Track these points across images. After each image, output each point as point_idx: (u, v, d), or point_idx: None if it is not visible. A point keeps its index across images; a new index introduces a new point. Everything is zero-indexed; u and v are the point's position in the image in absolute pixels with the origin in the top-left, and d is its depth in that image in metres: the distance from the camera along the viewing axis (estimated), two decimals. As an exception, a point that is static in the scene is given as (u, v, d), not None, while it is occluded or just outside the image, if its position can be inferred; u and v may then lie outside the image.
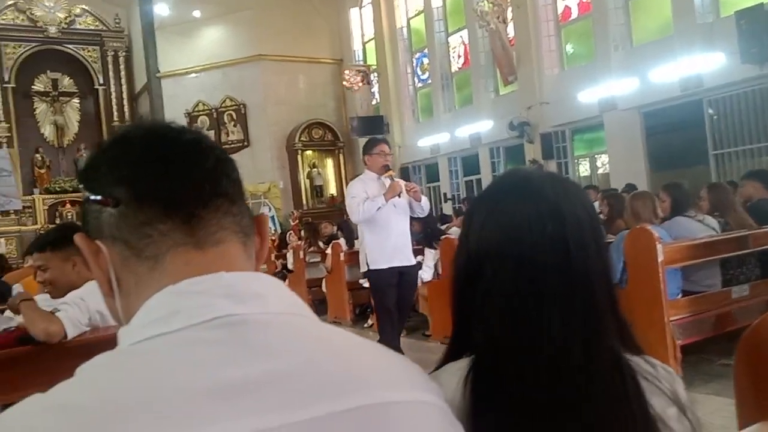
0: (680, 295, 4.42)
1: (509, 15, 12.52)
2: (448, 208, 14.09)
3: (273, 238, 11.24)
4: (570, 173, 11.94)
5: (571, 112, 11.40)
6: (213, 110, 17.01)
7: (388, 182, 4.73)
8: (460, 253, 0.96)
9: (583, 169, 12.23)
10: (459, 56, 14.90)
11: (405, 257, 4.91)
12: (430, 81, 15.66)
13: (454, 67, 15.04)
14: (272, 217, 15.55)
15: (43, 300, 3.04)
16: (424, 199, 4.96)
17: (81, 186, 0.70)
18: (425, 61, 15.88)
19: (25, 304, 2.67)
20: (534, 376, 0.83)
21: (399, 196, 4.70)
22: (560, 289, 0.86)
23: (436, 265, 6.63)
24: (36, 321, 2.56)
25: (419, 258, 7.00)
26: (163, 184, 0.64)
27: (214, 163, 0.68)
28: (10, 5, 16.09)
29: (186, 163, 0.66)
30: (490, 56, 13.28)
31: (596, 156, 11.98)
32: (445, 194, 14.99)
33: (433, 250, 6.62)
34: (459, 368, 0.89)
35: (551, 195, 0.91)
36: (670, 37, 9.82)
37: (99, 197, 0.66)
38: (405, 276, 4.94)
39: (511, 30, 12.60)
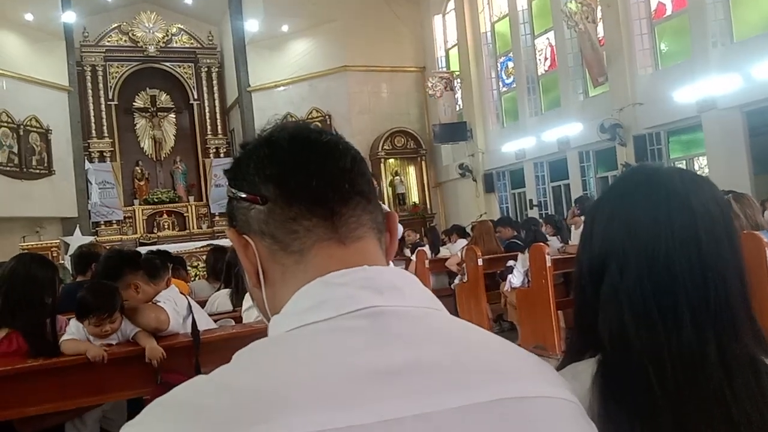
0: (796, 305, 4.11)
1: (599, 14, 12.14)
2: (534, 215, 13.79)
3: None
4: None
5: (666, 112, 10.89)
6: (301, 121, 17.45)
7: None
8: (583, 252, 0.94)
9: (680, 172, 11.65)
10: (545, 58, 14.59)
11: None
12: (515, 85, 15.42)
13: (541, 70, 14.74)
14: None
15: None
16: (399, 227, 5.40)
17: (228, 184, 0.74)
18: (510, 64, 15.66)
19: (131, 305, 2.82)
20: (666, 377, 0.80)
21: None
22: (692, 287, 0.82)
23: (526, 272, 6.49)
24: (146, 311, 2.70)
25: (511, 262, 6.89)
26: (308, 182, 0.68)
27: (352, 163, 0.72)
28: (115, 28, 17.18)
29: (327, 163, 0.70)
30: (578, 57, 12.92)
31: (694, 159, 11.38)
32: (531, 200, 14.67)
33: (526, 255, 6.49)
34: (585, 369, 0.87)
35: (680, 189, 0.87)
36: (775, 30, 9.22)
37: (248, 195, 0.70)
38: None
39: (600, 30, 12.22)
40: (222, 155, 17.89)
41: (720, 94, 9.84)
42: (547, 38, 14.31)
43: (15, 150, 14.56)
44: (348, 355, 0.58)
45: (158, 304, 2.78)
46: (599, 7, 12.04)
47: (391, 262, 0.76)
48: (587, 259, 0.92)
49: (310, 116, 17.34)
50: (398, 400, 0.56)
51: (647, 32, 11.72)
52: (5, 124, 14.40)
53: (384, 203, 14.54)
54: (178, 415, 0.56)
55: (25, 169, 14.69)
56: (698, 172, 11.06)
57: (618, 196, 0.93)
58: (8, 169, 14.35)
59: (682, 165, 11.58)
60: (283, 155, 0.70)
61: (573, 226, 7.46)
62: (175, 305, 2.84)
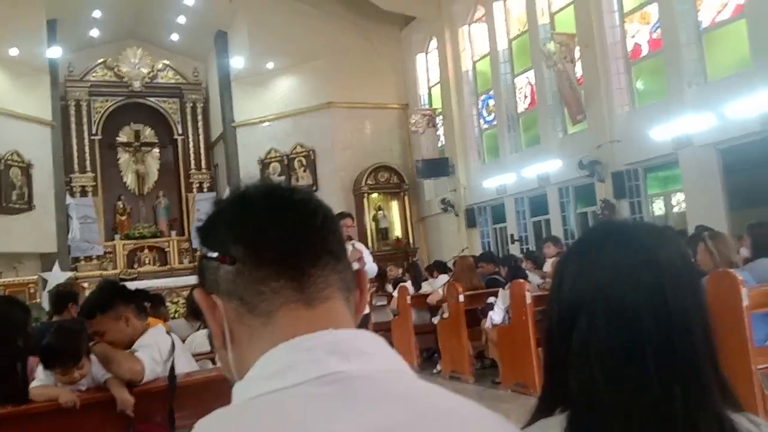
0: (768, 342, 4.16)
1: (577, 54, 12.43)
2: (514, 250, 13.86)
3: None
4: (644, 212, 11.56)
5: (643, 150, 11.09)
6: (284, 157, 17.51)
7: (350, 248, 5.25)
8: (552, 305, 0.95)
9: (658, 208, 11.82)
10: (525, 97, 14.85)
11: None
12: (495, 122, 15.64)
13: (521, 108, 14.98)
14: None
15: None
16: (372, 266, 5.91)
17: (200, 243, 0.75)
18: (491, 102, 15.91)
19: (104, 346, 2.76)
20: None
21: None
22: (659, 341, 0.84)
23: (507, 309, 6.50)
24: (123, 362, 2.64)
25: (492, 299, 6.90)
26: (277, 244, 0.68)
27: (322, 222, 0.72)
28: (100, 63, 17.25)
29: (298, 223, 0.70)
30: (557, 96, 13.17)
31: (671, 194, 11.56)
32: (512, 235, 14.76)
33: (506, 292, 6.50)
34: (555, 425, 0.87)
35: (646, 243, 0.89)
36: (747, 71, 9.48)
37: (217, 254, 0.70)
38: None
39: (579, 69, 12.49)
40: (205, 190, 17.87)
41: (695, 132, 10.06)
42: (527, 77, 14.58)
43: (-5, 185, 14.40)
44: (311, 425, 0.58)
45: (136, 353, 2.70)
46: (577, 47, 12.33)
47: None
48: (556, 313, 0.93)
49: (294, 151, 17.43)
50: None
51: (624, 72, 12.00)
52: (-14, 159, 14.29)
53: (367, 238, 14.52)
54: None
55: (4, 204, 14.49)
56: (675, 209, 11.19)
57: (585, 250, 0.95)
58: (-12, 204, 14.18)
59: (660, 201, 11.76)
60: (254, 216, 0.70)
61: (549, 259, 7.51)
62: (158, 349, 2.78)
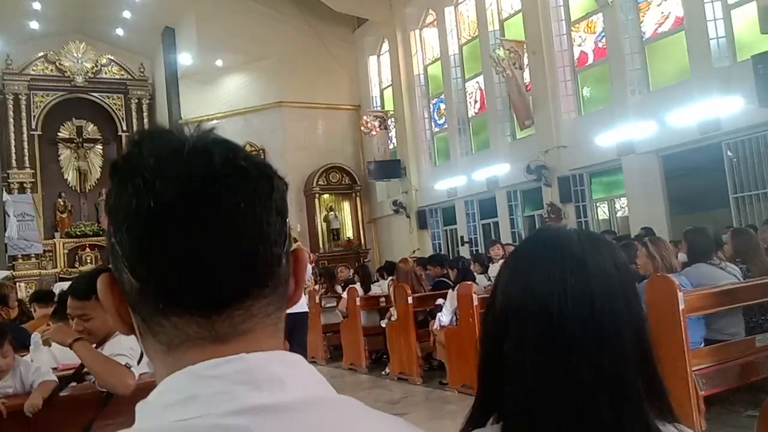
0: (703, 344, 4.30)
1: (525, 61, 12.66)
2: (465, 251, 14.01)
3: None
4: (588, 217, 11.86)
5: (588, 155, 11.38)
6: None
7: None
8: (486, 313, 0.95)
9: (602, 212, 12.14)
10: (476, 101, 15.05)
11: None
12: (446, 126, 15.80)
13: (471, 112, 15.17)
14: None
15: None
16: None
17: (106, 199, 0.60)
18: (442, 106, 16.06)
19: (87, 347, 2.56)
20: None
21: None
22: (587, 347, 0.83)
23: (455, 311, 6.54)
24: (117, 374, 2.46)
25: (440, 301, 6.94)
26: (189, 284, 0.56)
27: (251, 240, 0.57)
28: (41, 57, 16.66)
29: (217, 250, 0.56)
30: (506, 101, 13.39)
31: (615, 199, 11.90)
32: (462, 237, 14.94)
33: (454, 293, 6.54)
34: None
35: (576, 250, 0.89)
36: (687, 81, 9.83)
37: (120, 252, 0.57)
38: None
39: (527, 75, 12.73)
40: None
41: (638, 138, 10.37)
42: (477, 82, 14.79)
43: (-75, 179, 13.74)
44: None
45: (131, 368, 2.52)
46: (526, 54, 12.55)
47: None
48: (490, 320, 0.93)
49: (244, 151, 17.17)
50: None
51: (571, 79, 12.30)
52: None
53: (318, 239, 14.41)
54: None
55: (-65, 200, 13.87)
56: (619, 213, 11.51)
57: (518, 257, 0.95)
58: None
59: (604, 205, 12.09)
60: (164, 231, 0.55)
61: (496, 263, 7.61)
62: (135, 357, 2.63)
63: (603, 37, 11.62)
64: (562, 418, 0.81)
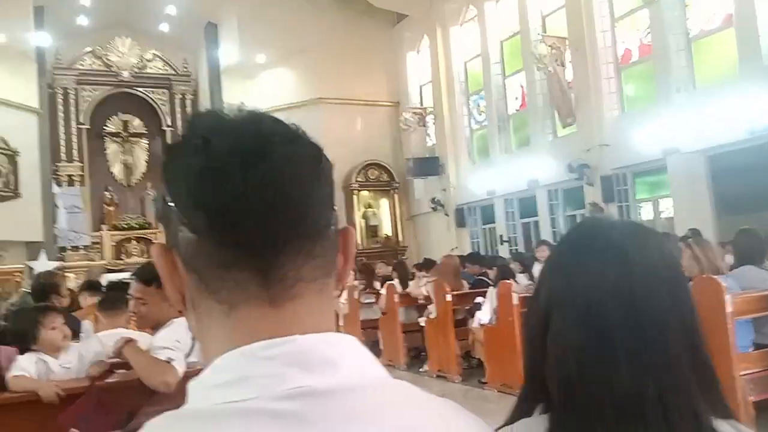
0: (751, 349, 4.21)
1: (567, 58, 12.48)
2: (503, 251, 13.92)
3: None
4: (632, 217, 11.65)
5: (632, 154, 11.18)
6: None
7: None
8: (531, 306, 0.96)
9: (646, 213, 11.91)
10: (516, 98, 14.90)
11: None
12: (486, 123, 15.69)
13: (511, 109, 15.03)
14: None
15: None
16: None
17: (162, 175, 0.63)
18: (482, 103, 15.94)
19: (135, 350, 2.68)
20: (610, 428, 0.81)
21: None
22: (627, 335, 0.83)
23: (495, 310, 6.52)
24: (156, 373, 2.56)
25: (479, 299, 6.92)
26: (245, 225, 0.57)
27: (304, 191, 0.60)
28: (89, 52, 17.08)
29: (271, 199, 0.58)
30: (547, 98, 13.23)
31: (659, 200, 11.65)
32: (501, 236, 14.82)
33: (494, 292, 6.52)
34: (536, 425, 0.87)
35: (617, 240, 0.89)
36: (735, 79, 9.58)
37: (176, 213, 0.59)
38: None
39: (569, 72, 12.55)
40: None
41: (683, 138, 10.14)
42: (518, 79, 14.63)
43: (-20, 172, 14.28)
44: None
45: (173, 361, 2.58)
46: (568, 51, 12.38)
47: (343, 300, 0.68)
48: (534, 311, 0.94)
49: (283, 146, 17.35)
50: None
51: (614, 76, 12.09)
52: (-29, 145, 14.15)
53: (356, 235, 14.57)
54: None
55: (-11, 191, 14.40)
56: (663, 214, 11.28)
57: (562, 248, 0.96)
58: (-28, 190, 14.06)
59: (648, 206, 11.85)
60: (220, 179, 0.57)
61: (538, 264, 7.54)
62: (182, 349, 2.72)
63: (648, 33, 11.38)
64: (606, 409, 0.81)
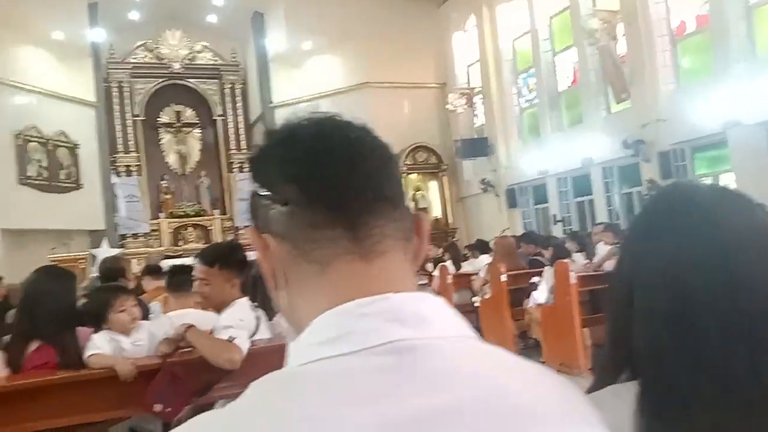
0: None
1: (620, 31, 12.12)
2: (557, 230, 13.70)
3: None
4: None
5: (690, 129, 10.79)
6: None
7: None
8: (616, 273, 0.95)
9: (706, 188, 11.50)
10: (567, 75, 14.57)
11: None
12: (536, 101, 15.41)
13: (562, 86, 14.71)
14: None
15: (183, 316, 3.24)
16: None
17: (252, 176, 0.71)
18: (531, 81, 15.66)
19: (196, 333, 2.80)
20: (702, 393, 0.80)
21: None
22: (720, 301, 0.82)
23: (551, 289, 6.44)
24: (219, 353, 2.67)
25: (535, 279, 6.86)
26: (332, 188, 0.63)
27: (379, 164, 0.67)
28: (140, 45, 17.52)
29: (353, 166, 0.65)
30: (600, 74, 12.89)
31: (720, 175, 11.24)
32: (554, 216, 14.59)
33: (551, 271, 6.45)
34: (623, 393, 0.86)
35: (707, 205, 0.88)
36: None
37: (269, 193, 0.66)
38: None
39: (622, 47, 12.19)
40: (246, 170, 17.94)
41: (744, 110, 9.73)
42: (569, 55, 14.29)
43: (44, 164, 14.90)
44: (370, 400, 0.55)
45: (235, 339, 2.69)
46: (620, 24, 12.01)
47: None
48: (619, 279, 0.93)
49: (332, 132, 17.43)
50: None
51: (669, 49, 11.67)
52: (35, 139, 14.74)
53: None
54: None
55: (53, 183, 15.01)
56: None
57: (648, 215, 0.95)
58: (38, 182, 14.68)
59: (708, 182, 11.45)
60: (306, 155, 0.65)
61: (602, 243, 7.39)
62: (246, 328, 2.79)
63: (705, 3, 10.93)
64: (696, 373, 0.81)
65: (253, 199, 0.70)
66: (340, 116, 0.71)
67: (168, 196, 17.76)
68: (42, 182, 14.77)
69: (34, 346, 2.87)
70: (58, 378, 2.73)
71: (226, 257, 2.93)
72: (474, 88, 17.10)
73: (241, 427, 0.55)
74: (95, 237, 15.61)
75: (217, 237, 17.28)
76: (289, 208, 0.64)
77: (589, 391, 0.91)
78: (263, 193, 0.67)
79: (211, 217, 17.72)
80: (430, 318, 0.61)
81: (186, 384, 2.68)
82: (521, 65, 16.08)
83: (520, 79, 16.16)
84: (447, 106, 17.04)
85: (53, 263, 7.88)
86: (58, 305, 2.92)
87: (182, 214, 17.53)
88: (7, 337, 2.96)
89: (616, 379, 0.90)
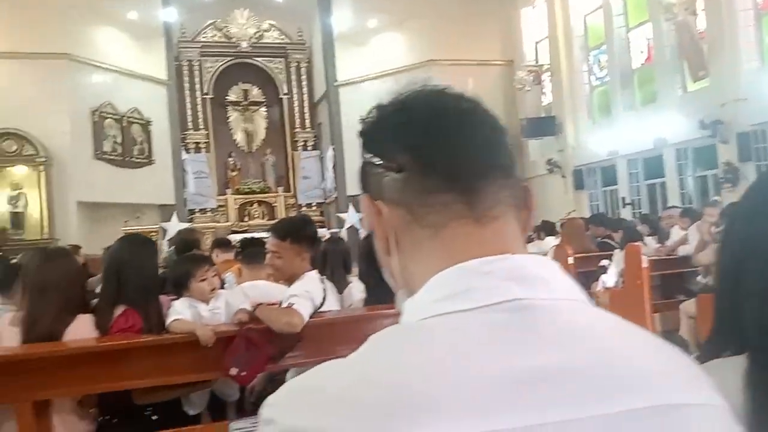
0: None
1: (699, 6, 11.54)
2: (626, 214, 13.30)
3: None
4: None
5: (774, 108, 10.23)
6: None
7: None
8: (723, 252, 0.95)
9: (788, 172, 10.93)
10: (641, 51, 14.01)
11: None
12: (608, 79, 14.91)
13: (636, 64, 14.17)
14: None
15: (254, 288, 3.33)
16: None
17: (363, 147, 0.72)
18: (603, 58, 15.15)
19: (263, 308, 2.90)
20: None
21: None
22: None
23: (621, 273, 6.28)
24: (279, 317, 2.78)
25: (604, 262, 6.69)
26: (446, 154, 0.65)
27: (491, 133, 0.69)
28: (210, 25, 17.89)
29: (466, 134, 0.67)
30: (676, 51, 12.34)
31: (805, 158, 10.65)
32: (623, 199, 14.15)
33: (621, 255, 6.28)
34: (729, 367, 0.85)
35: None
36: None
37: (382, 161, 0.68)
38: None
39: (701, 22, 11.61)
40: (309, 148, 18.32)
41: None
42: (643, 31, 13.73)
43: (119, 140, 15.51)
44: (488, 356, 0.55)
45: (294, 305, 2.79)
46: (701, -3, 11.45)
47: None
48: (727, 258, 0.93)
49: (395, 111, 17.39)
50: (546, 406, 0.53)
51: (753, 24, 11.05)
52: (110, 116, 15.34)
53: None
54: (319, 403, 0.55)
55: (127, 158, 15.63)
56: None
57: (756, 193, 0.94)
58: (112, 158, 15.31)
59: (791, 164, 10.85)
60: (421, 123, 0.67)
61: (676, 227, 7.14)
62: (311, 298, 2.88)
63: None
64: None
65: (364, 169, 0.72)
66: (452, 88, 0.73)
67: (234, 173, 18.22)
68: (116, 157, 15.40)
69: (119, 310, 2.99)
70: (143, 341, 2.85)
71: (297, 232, 3.01)
72: (542, 65, 16.69)
73: (364, 373, 0.56)
74: (165, 211, 16.18)
75: (281, 214, 17.63)
76: (403, 175, 0.66)
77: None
78: (377, 162, 0.69)
79: (276, 194, 18.08)
80: (549, 280, 0.62)
81: (260, 350, 2.76)
82: (592, 41, 15.57)
83: (591, 55, 15.66)
84: (514, 84, 16.70)
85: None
86: (141, 272, 3.04)
87: (248, 190, 17.98)
88: (95, 301, 3.09)
89: (721, 354, 0.90)
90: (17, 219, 13.69)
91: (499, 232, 0.65)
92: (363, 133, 0.73)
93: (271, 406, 0.58)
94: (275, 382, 3.32)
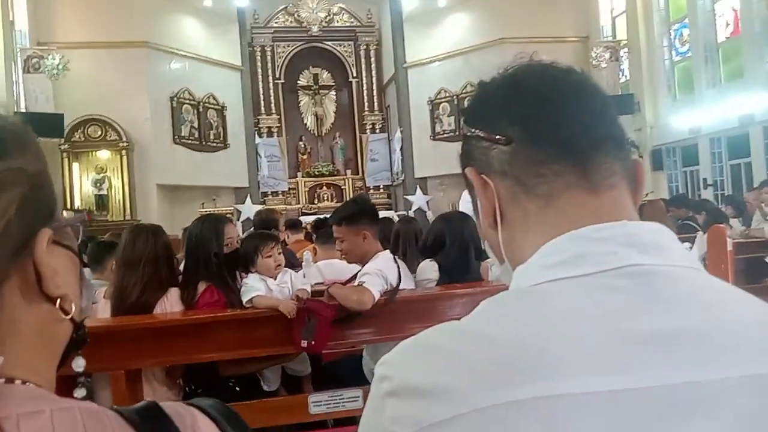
0: None
1: (794, -28, 10.81)
2: (708, 195, 12.71)
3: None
4: None
5: None
6: (454, 97, 17.36)
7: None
8: None
9: None
10: (727, 24, 13.26)
11: None
12: (689, 54, 14.19)
13: (721, 37, 13.42)
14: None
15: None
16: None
17: (465, 122, 0.74)
18: (685, 32, 14.43)
19: (335, 288, 3.02)
20: None
21: None
22: None
23: (703, 256, 6.02)
24: (349, 295, 2.89)
25: (686, 244, 6.44)
26: (558, 125, 0.65)
27: (602, 105, 0.69)
28: (281, 9, 18.13)
29: (577, 105, 0.67)
30: (766, 23, 11.60)
31: None
32: (705, 179, 13.51)
33: (704, 237, 6.02)
34: None
35: None
36: None
37: (489, 135, 0.69)
38: None
39: (796, -11, 10.88)
40: (377, 131, 18.38)
41: None
42: (729, 2, 12.97)
43: (195, 125, 16.04)
44: (607, 317, 0.56)
45: (364, 284, 2.89)
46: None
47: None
48: None
49: (464, 91, 17.17)
50: (665, 367, 0.54)
51: None
52: (187, 101, 15.86)
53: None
54: (436, 361, 0.55)
55: (203, 143, 16.15)
56: None
57: None
58: (189, 142, 15.85)
59: None
60: (531, 96, 0.68)
61: (765, 206, 6.77)
62: (383, 276, 2.96)
63: None
64: None
65: (467, 143, 0.73)
66: (559, 63, 0.73)
67: (305, 157, 18.53)
68: (193, 142, 15.93)
69: (203, 286, 3.12)
70: (228, 315, 2.96)
71: (348, 213, 3.15)
72: (620, 41, 16.06)
73: (481, 333, 0.57)
74: (239, 194, 16.68)
75: (350, 196, 17.77)
76: (512, 147, 0.67)
77: None
78: (483, 135, 0.69)
79: (344, 177, 18.28)
80: (665, 246, 0.62)
81: (321, 314, 2.86)
82: (674, 15, 14.85)
83: (672, 30, 14.95)
84: (590, 61, 16.16)
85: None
86: (213, 249, 3.15)
87: (317, 173, 18.25)
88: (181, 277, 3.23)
89: None
90: (101, 201, 14.41)
91: (615, 201, 0.65)
92: (467, 109, 0.75)
93: (385, 363, 0.59)
94: (352, 361, 3.39)
